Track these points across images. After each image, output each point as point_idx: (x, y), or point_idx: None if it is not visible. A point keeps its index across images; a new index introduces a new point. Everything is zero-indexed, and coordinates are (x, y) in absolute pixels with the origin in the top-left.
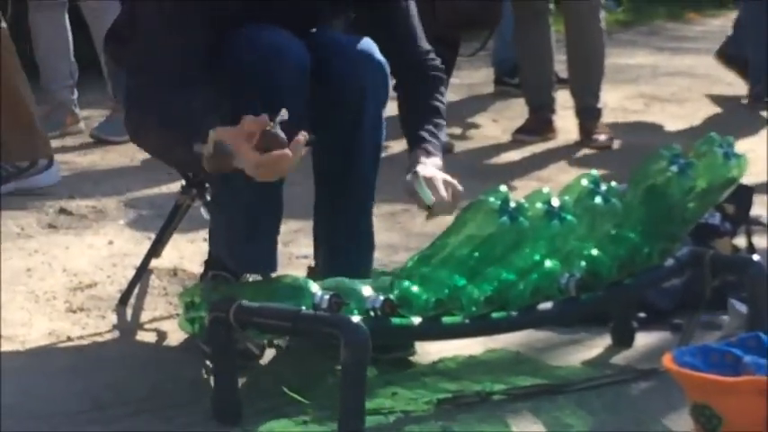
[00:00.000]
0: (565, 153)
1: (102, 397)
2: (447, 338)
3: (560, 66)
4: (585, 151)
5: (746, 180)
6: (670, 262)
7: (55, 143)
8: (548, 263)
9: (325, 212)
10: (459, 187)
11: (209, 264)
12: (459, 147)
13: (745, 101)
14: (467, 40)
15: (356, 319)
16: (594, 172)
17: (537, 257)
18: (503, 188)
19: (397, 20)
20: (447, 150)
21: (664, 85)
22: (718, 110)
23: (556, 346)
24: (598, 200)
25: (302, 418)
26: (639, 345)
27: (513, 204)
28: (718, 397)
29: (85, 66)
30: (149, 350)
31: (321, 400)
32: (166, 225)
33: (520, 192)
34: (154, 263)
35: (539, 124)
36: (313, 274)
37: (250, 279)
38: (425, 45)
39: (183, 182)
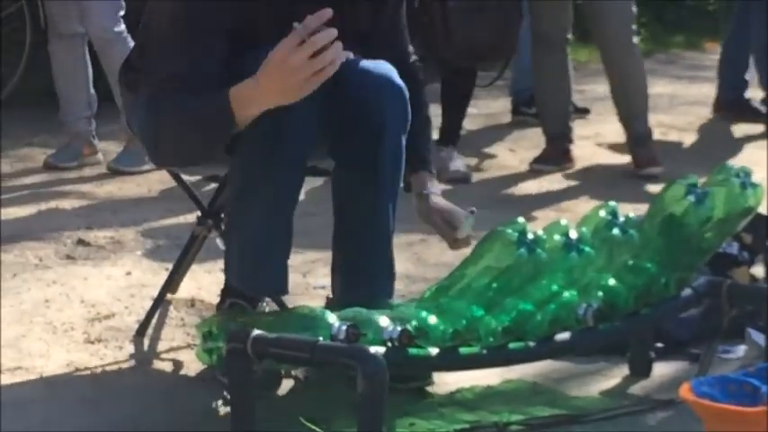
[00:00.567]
0: (582, 183)
1: (121, 428)
2: (464, 369)
3: (577, 95)
4: (603, 181)
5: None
6: (687, 292)
7: (72, 174)
8: (565, 293)
9: (343, 242)
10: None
11: (225, 292)
12: (477, 177)
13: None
14: (484, 70)
15: (373, 349)
16: (612, 203)
17: (555, 288)
18: (520, 220)
19: (392, 21)
20: (465, 180)
21: (681, 114)
22: (735, 139)
23: (573, 376)
24: (616, 231)
25: None
26: (657, 375)
27: (530, 236)
28: (736, 427)
29: (101, 97)
30: (167, 381)
31: (339, 431)
32: (183, 256)
33: (538, 222)
34: (171, 294)
35: (556, 154)
36: (330, 304)
37: (267, 308)
38: (408, 46)
39: (200, 212)
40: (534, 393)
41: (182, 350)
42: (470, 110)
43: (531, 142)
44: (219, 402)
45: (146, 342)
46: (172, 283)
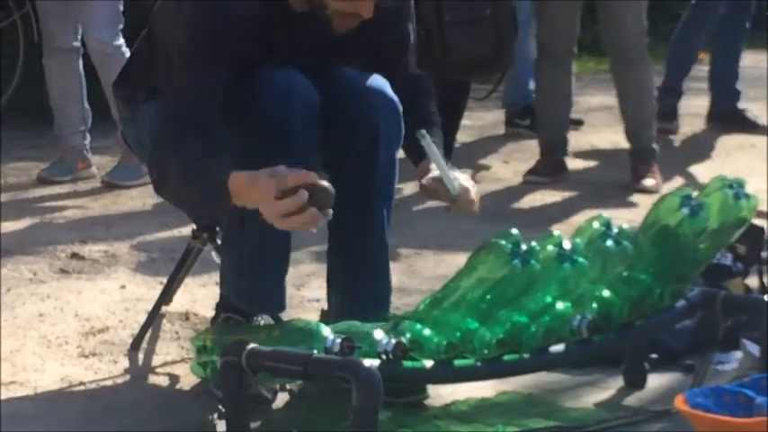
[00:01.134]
0: (576, 194)
1: None
2: (459, 381)
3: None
4: (597, 193)
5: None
6: (682, 303)
7: (67, 188)
8: (559, 305)
9: (339, 255)
10: (476, 189)
11: (220, 306)
12: None
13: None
14: (479, 82)
15: (368, 362)
16: (606, 214)
17: (549, 300)
18: (514, 231)
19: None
20: None
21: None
22: (730, 150)
23: (568, 387)
24: (609, 242)
25: None
26: (652, 386)
27: (524, 247)
28: None
29: (95, 111)
30: (162, 395)
31: None
32: (178, 269)
33: (531, 234)
34: (166, 307)
35: (551, 166)
36: (325, 317)
37: (262, 322)
38: (415, 69)
39: (194, 226)
40: (529, 405)
41: (176, 364)
42: (464, 122)
43: (525, 154)
44: (214, 416)
45: (140, 356)
46: (166, 297)
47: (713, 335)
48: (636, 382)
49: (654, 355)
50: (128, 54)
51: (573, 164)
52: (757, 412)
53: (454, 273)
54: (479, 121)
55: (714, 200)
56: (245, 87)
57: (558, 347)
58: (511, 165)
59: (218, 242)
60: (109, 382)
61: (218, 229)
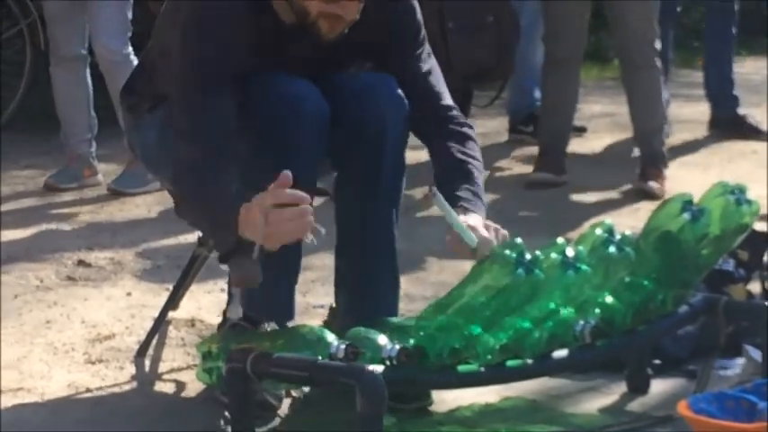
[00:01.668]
0: (579, 201)
1: None
2: (463, 387)
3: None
4: (599, 199)
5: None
6: (684, 309)
7: (73, 195)
8: (563, 311)
9: (347, 256)
10: (504, 231)
11: (227, 313)
12: None
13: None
14: (482, 89)
15: (372, 368)
16: (608, 221)
17: (552, 306)
18: (518, 240)
19: (416, 77)
20: None
21: (677, 132)
22: (732, 156)
23: (571, 393)
24: (612, 249)
25: None
26: (655, 391)
27: (528, 256)
28: None
29: (101, 119)
30: (168, 401)
31: None
32: (184, 276)
33: (535, 240)
34: (171, 314)
35: (550, 164)
36: (333, 319)
37: (268, 328)
38: (449, 102)
39: (200, 233)
40: (533, 411)
41: (182, 370)
42: None
43: (528, 161)
44: (221, 422)
45: (146, 362)
46: (172, 304)
47: (716, 341)
48: (639, 388)
49: (657, 361)
50: (135, 62)
51: (575, 170)
52: (759, 417)
53: (458, 280)
54: (482, 128)
55: (715, 205)
56: (250, 100)
57: (561, 353)
58: (514, 171)
59: None
60: (115, 389)
61: None
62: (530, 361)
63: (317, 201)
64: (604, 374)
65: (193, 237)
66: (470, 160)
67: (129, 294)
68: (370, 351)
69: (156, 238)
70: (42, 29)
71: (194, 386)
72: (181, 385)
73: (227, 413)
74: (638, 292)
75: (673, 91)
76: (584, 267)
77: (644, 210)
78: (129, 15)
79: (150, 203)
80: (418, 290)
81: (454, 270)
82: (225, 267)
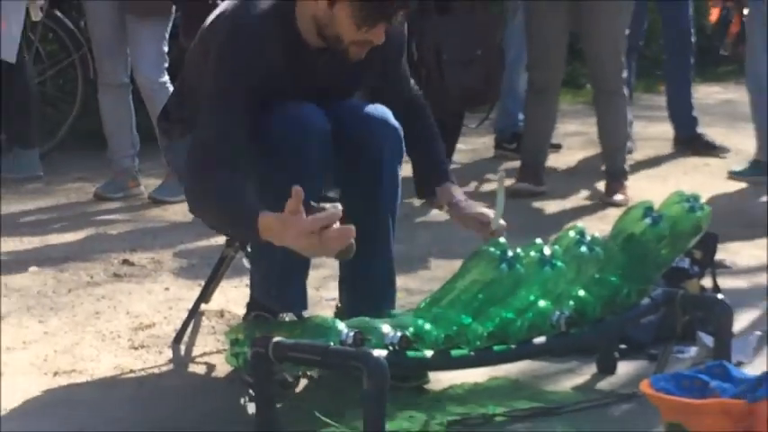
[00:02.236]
0: (556, 208)
1: (160, 422)
2: (455, 369)
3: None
4: (573, 206)
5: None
6: (646, 301)
7: (118, 204)
8: (541, 303)
9: (349, 261)
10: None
11: (251, 306)
12: None
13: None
14: (471, 112)
15: (376, 352)
16: (580, 224)
17: (532, 298)
18: (502, 240)
19: (400, 80)
20: None
21: (641, 149)
22: (687, 169)
23: (549, 374)
24: (583, 249)
25: None
26: (621, 372)
27: (510, 254)
28: (688, 417)
29: (143, 138)
30: (200, 381)
31: (348, 423)
32: (214, 273)
33: (517, 240)
34: (204, 306)
35: (530, 176)
36: (340, 312)
37: (286, 318)
38: (413, 85)
39: (228, 237)
40: (516, 389)
41: (213, 355)
42: (459, 146)
43: (512, 173)
44: (246, 399)
45: (182, 348)
46: (204, 297)
47: (673, 329)
48: (607, 369)
49: (622, 346)
50: (170, 89)
51: (552, 181)
52: (711, 394)
53: (450, 275)
54: (472, 145)
55: (673, 212)
56: (264, 120)
57: (540, 339)
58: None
59: (248, 250)
60: (155, 370)
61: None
62: (513, 346)
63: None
64: (577, 358)
65: (222, 239)
66: (435, 130)
67: (167, 289)
68: (375, 338)
69: (191, 241)
70: (91, 60)
71: (223, 368)
72: (211, 367)
73: (251, 391)
74: (606, 287)
75: (638, 113)
76: (559, 264)
77: (611, 215)
78: (165, 49)
79: (185, 211)
80: (416, 285)
81: (448, 267)
82: (247, 265)
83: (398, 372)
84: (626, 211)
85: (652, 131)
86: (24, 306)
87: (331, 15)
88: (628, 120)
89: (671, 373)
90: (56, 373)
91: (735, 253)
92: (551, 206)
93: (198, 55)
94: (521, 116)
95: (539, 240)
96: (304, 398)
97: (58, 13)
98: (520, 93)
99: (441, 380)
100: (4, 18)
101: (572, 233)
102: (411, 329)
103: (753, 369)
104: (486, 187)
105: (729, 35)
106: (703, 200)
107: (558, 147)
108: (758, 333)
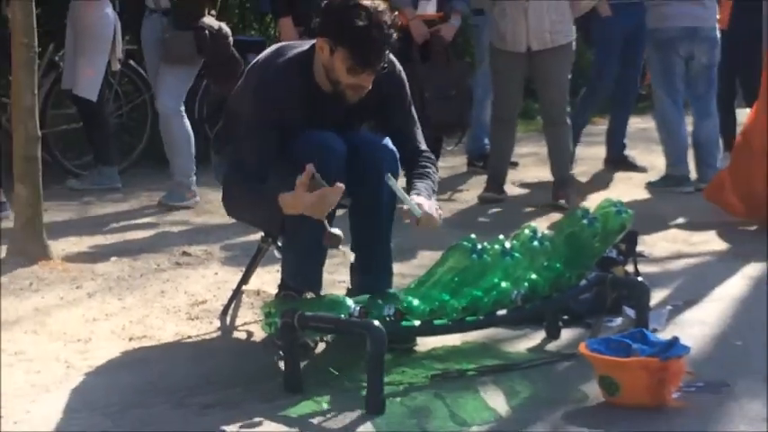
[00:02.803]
0: (513, 212)
1: (211, 376)
2: (437, 335)
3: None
4: (528, 211)
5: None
6: (583, 282)
7: (179, 209)
8: (503, 284)
9: (358, 251)
10: (441, 210)
11: (281, 286)
12: (445, 208)
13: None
14: (449, 138)
15: (377, 323)
16: (533, 224)
17: (496, 281)
18: (473, 236)
19: (403, 128)
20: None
21: (579, 166)
22: (615, 182)
23: (509, 338)
24: (536, 243)
25: (325, 398)
26: (564, 337)
27: (479, 247)
28: (616, 371)
29: (198, 158)
30: (242, 345)
31: (355, 376)
32: (252, 261)
33: (485, 237)
34: (244, 287)
35: (495, 188)
36: (349, 293)
37: (308, 296)
38: (423, 146)
39: (263, 234)
40: (484, 350)
41: (251, 324)
42: (439, 163)
43: (480, 186)
44: (277, 358)
45: (227, 319)
46: (245, 280)
47: (604, 303)
48: (553, 335)
49: (565, 317)
50: (184, 117)
51: (512, 191)
52: (633, 354)
53: (433, 263)
54: (450, 163)
55: (604, 214)
56: (294, 144)
57: (502, 312)
58: (471, 192)
59: (279, 244)
60: (206, 336)
61: (279, 236)
62: (481, 317)
63: (340, 212)
64: (530, 326)
65: (258, 236)
66: (430, 173)
67: (216, 274)
68: (376, 311)
69: (234, 237)
70: None
71: (259, 334)
72: (250, 334)
73: (281, 352)
74: (553, 272)
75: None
76: (517, 255)
77: (556, 217)
78: (187, 83)
79: None
80: (408, 271)
81: (432, 258)
82: (278, 255)
83: (393, 337)
84: (567, 214)
85: (588, 153)
86: (107, 287)
87: (332, 62)
88: (570, 144)
89: (602, 338)
90: (131, 339)
91: (651, 245)
92: (511, 210)
93: (240, 88)
94: (486, 141)
95: (501, 236)
96: (321, 357)
97: (132, 63)
98: (485, 122)
99: (426, 343)
100: (90, 67)
101: (527, 231)
102: (403, 305)
103: (665, 335)
104: (460, 196)
105: (647, 79)
106: (627, 205)
107: (515, 164)
108: (669, 307)
